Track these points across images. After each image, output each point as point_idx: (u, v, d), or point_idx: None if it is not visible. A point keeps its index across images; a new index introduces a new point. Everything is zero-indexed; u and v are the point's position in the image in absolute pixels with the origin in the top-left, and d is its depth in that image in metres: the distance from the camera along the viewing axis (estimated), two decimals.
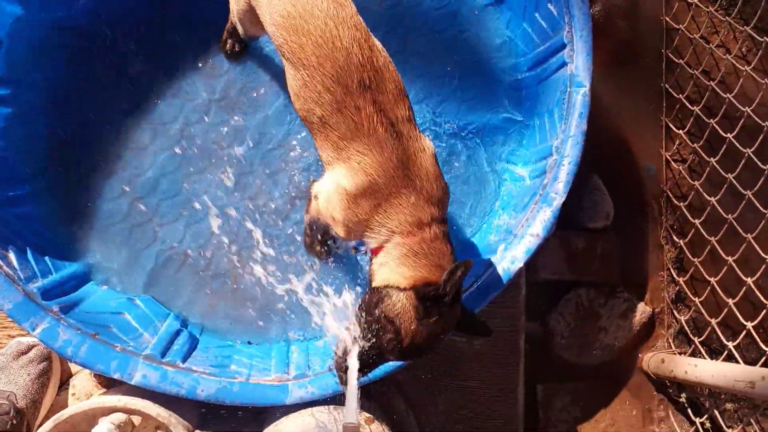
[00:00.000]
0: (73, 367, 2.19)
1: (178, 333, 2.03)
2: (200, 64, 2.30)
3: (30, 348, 2.06)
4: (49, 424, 1.81)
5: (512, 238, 2.03)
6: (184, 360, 1.92)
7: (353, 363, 1.62)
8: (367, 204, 1.63)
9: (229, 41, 2.25)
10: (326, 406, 1.92)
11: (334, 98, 1.56)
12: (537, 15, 2.24)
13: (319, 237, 2.10)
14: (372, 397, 2.22)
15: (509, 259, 1.99)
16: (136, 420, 1.90)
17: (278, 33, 1.62)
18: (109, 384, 2.12)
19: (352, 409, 1.57)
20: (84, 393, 2.13)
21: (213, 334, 2.16)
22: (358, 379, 1.59)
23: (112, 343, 1.88)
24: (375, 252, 1.67)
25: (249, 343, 2.18)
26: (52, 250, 2.11)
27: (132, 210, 2.22)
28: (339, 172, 1.66)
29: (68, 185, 2.21)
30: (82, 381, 2.15)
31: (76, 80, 2.25)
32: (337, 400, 1.91)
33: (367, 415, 1.98)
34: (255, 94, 2.30)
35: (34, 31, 2.17)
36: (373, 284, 1.63)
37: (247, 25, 1.93)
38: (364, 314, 1.57)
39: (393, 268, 1.62)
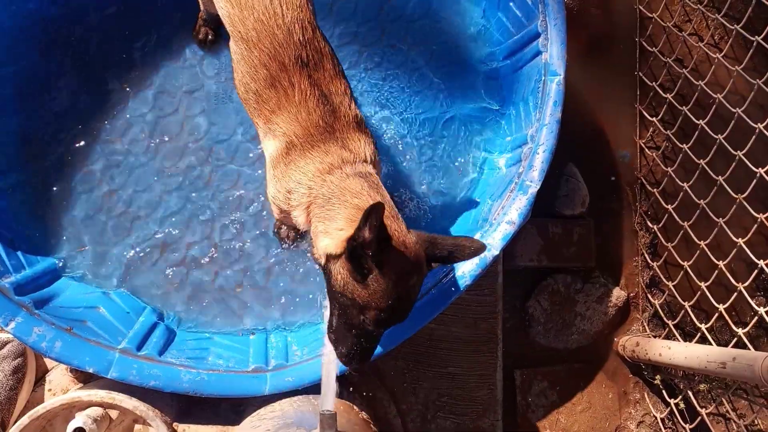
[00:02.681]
0: (49, 363, 2.16)
1: (154, 326, 2.02)
2: (173, 55, 2.27)
3: (3, 344, 2.03)
4: (25, 419, 1.80)
5: (488, 226, 2.04)
6: (161, 353, 1.91)
7: (329, 352, 1.63)
8: (284, 164, 1.63)
9: (203, 29, 2.22)
10: (305, 396, 1.93)
11: (269, 73, 1.59)
12: (511, 4, 2.25)
13: (276, 220, 2.07)
14: (353, 387, 2.23)
15: (486, 246, 2.00)
16: (114, 414, 1.89)
17: (222, 3, 1.65)
18: (85, 379, 2.10)
19: (328, 398, 1.58)
20: (60, 388, 2.11)
21: (190, 326, 2.15)
22: (338, 365, 1.60)
23: (87, 337, 1.86)
24: (309, 224, 1.62)
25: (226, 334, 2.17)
26: (25, 244, 2.08)
27: (105, 203, 2.20)
28: (267, 146, 1.70)
29: (40, 179, 2.17)
30: (58, 376, 2.12)
31: (47, 73, 2.21)
32: (315, 389, 1.91)
33: (347, 403, 1.99)
34: (230, 86, 2.28)
35: (4, 24, 2.13)
36: (321, 262, 1.56)
37: None
38: (328, 300, 1.55)
39: (322, 232, 1.55)
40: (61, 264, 2.13)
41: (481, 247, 1.55)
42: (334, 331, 1.56)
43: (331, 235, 1.51)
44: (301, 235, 2.18)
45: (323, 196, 1.55)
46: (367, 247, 1.37)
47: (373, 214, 1.30)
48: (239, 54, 1.64)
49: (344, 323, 1.51)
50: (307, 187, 1.59)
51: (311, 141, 1.61)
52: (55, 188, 2.18)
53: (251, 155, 2.26)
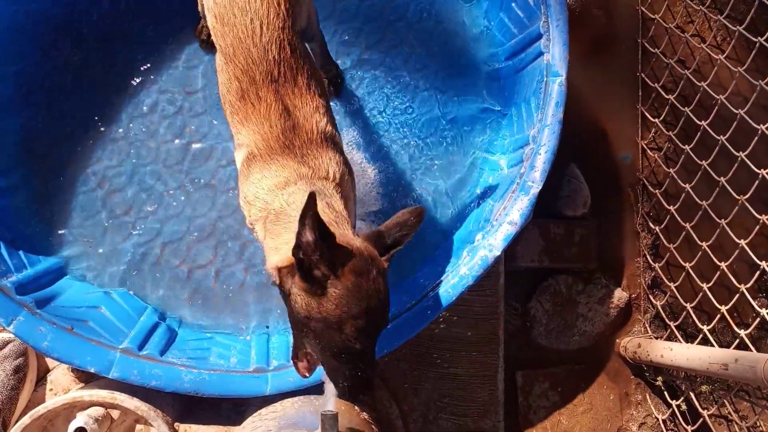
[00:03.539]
0: (51, 362, 2.16)
1: (156, 326, 2.02)
2: (176, 55, 2.27)
3: (5, 344, 2.03)
4: (26, 419, 1.80)
5: (490, 227, 2.04)
6: (162, 353, 1.91)
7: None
8: (244, 176, 1.64)
9: (205, 29, 2.22)
10: (306, 396, 1.92)
11: (240, 86, 1.62)
12: (513, 5, 2.25)
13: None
14: None
15: (487, 247, 2.00)
16: (115, 414, 1.88)
17: (208, 15, 1.69)
18: (87, 379, 2.10)
19: (330, 398, 1.58)
20: (61, 388, 2.11)
21: (192, 326, 2.15)
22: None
23: (89, 337, 1.86)
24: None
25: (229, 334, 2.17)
26: (27, 244, 2.09)
27: (107, 203, 2.20)
28: (237, 157, 1.71)
29: (41, 179, 2.18)
30: (59, 376, 2.13)
31: (48, 73, 2.21)
32: (317, 389, 1.91)
33: (348, 403, 1.99)
34: None
35: (4, 23, 2.13)
36: (275, 280, 1.47)
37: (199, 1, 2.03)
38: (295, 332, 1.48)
39: (272, 248, 1.50)
40: (62, 263, 2.13)
41: (420, 212, 1.50)
42: (312, 367, 1.50)
43: (279, 251, 1.47)
44: None
45: (274, 212, 1.53)
46: (314, 252, 1.30)
47: (308, 210, 1.23)
48: (219, 66, 1.69)
49: (328, 351, 1.40)
50: (263, 201, 1.57)
51: (270, 154, 1.60)
52: (56, 188, 2.19)
53: None
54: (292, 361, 1.53)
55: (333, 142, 1.68)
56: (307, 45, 2.06)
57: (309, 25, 1.92)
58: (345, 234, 1.45)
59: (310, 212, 1.24)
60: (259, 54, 1.60)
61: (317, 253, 1.30)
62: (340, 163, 1.65)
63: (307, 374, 1.55)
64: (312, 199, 1.23)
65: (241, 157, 1.68)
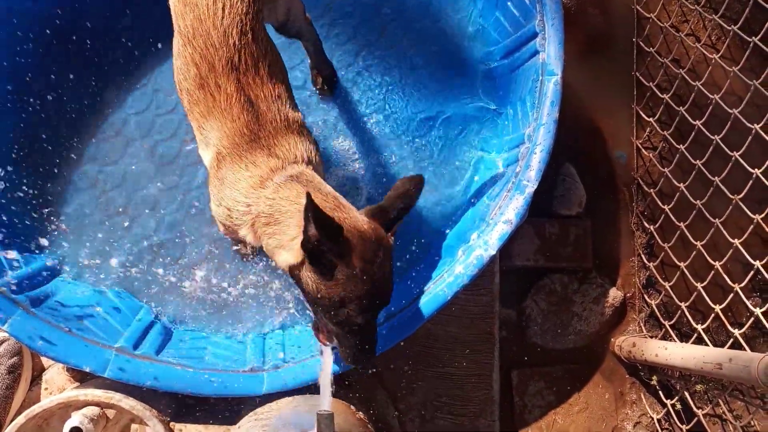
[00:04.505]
0: (46, 362, 2.16)
1: (151, 325, 2.01)
2: (170, 54, 2.26)
3: (0, 343, 2.03)
4: (21, 419, 1.79)
5: (485, 226, 2.04)
6: (158, 352, 1.91)
7: (327, 353, 1.63)
8: (217, 179, 1.61)
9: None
10: (302, 395, 1.92)
11: (199, 73, 1.58)
12: (509, 4, 2.25)
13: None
14: (352, 387, 2.23)
15: (483, 246, 2.00)
16: (110, 413, 1.88)
17: None
18: (82, 378, 2.09)
19: (326, 398, 1.58)
20: (57, 387, 2.10)
21: (187, 325, 2.15)
22: (334, 363, 1.60)
23: (84, 336, 1.86)
24: (259, 240, 1.60)
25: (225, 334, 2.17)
26: (22, 243, 2.08)
27: (102, 202, 2.20)
28: (204, 156, 1.68)
29: (37, 178, 2.17)
30: (54, 375, 2.12)
31: (44, 71, 2.21)
32: (312, 389, 1.91)
33: (345, 403, 1.99)
34: None
35: (3, 23, 2.12)
36: (287, 273, 1.55)
37: None
38: (310, 308, 1.53)
39: (276, 247, 1.53)
40: (57, 262, 2.13)
41: (419, 180, 1.56)
42: (329, 337, 1.56)
43: (286, 248, 1.50)
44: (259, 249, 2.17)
45: (264, 214, 1.53)
46: (322, 243, 1.36)
47: (308, 208, 1.30)
48: (176, 49, 1.63)
49: (334, 325, 1.50)
50: (246, 204, 1.57)
51: (238, 152, 1.58)
52: (52, 187, 2.18)
53: None
54: (313, 332, 1.63)
55: (297, 124, 1.66)
56: (302, 43, 2.05)
57: (290, 20, 1.86)
58: (350, 217, 1.48)
59: (311, 210, 1.30)
60: (219, 38, 1.55)
61: (325, 244, 1.37)
62: (305, 142, 1.65)
63: (327, 342, 1.62)
64: (310, 199, 1.29)
65: (209, 158, 1.64)
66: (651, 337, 2.57)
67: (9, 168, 2.14)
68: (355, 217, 1.48)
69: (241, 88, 1.58)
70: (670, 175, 2.54)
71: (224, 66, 1.56)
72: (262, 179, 1.55)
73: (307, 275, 1.45)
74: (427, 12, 2.43)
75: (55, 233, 2.15)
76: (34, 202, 2.15)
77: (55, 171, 2.19)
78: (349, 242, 1.41)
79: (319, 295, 1.44)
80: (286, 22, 1.87)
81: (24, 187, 2.15)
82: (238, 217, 1.59)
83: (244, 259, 2.17)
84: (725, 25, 2.47)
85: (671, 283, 2.51)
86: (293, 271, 1.50)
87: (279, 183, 1.54)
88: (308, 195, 1.29)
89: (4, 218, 2.09)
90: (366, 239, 1.44)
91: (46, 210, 2.16)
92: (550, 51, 2.11)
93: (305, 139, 1.66)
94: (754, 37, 2.22)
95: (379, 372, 2.29)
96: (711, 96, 2.36)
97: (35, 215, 2.15)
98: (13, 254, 1.99)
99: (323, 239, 1.35)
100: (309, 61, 2.27)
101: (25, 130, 2.19)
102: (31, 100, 2.19)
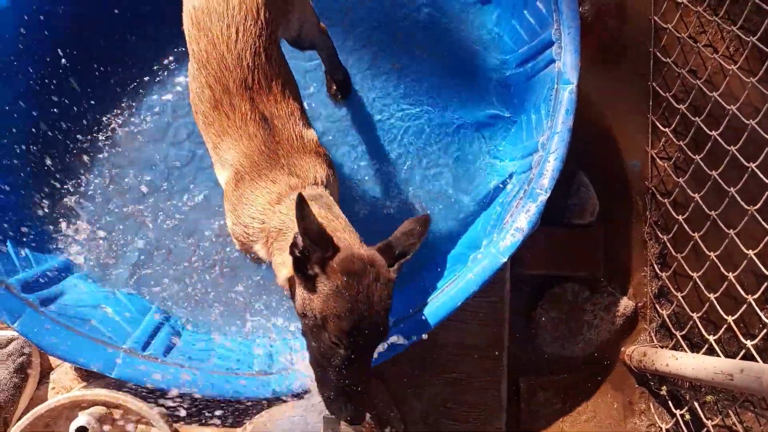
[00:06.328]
0: (53, 361, 2.16)
1: (159, 327, 2.01)
2: (183, 55, 2.26)
3: (8, 342, 2.03)
4: (28, 417, 1.79)
5: (497, 233, 2.03)
6: (166, 353, 1.91)
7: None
8: (236, 198, 1.61)
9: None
10: (308, 399, 1.91)
11: (213, 95, 1.59)
12: (526, 12, 2.24)
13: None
14: None
15: (494, 253, 1.99)
16: (117, 413, 1.88)
17: (185, 18, 1.66)
18: (88, 377, 2.09)
19: None
20: (64, 387, 2.11)
21: (196, 328, 2.15)
22: None
23: (93, 336, 1.86)
24: (271, 257, 1.59)
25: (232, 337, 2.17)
26: (33, 243, 2.08)
27: (114, 203, 2.19)
28: (220, 176, 1.67)
29: (50, 178, 2.18)
30: (61, 375, 2.12)
31: (56, 72, 2.21)
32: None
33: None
34: None
35: (16, 23, 2.13)
36: (287, 293, 1.51)
37: None
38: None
39: (280, 264, 1.51)
40: (68, 263, 2.13)
41: (425, 220, 1.51)
42: (317, 377, 1.42)
43: (287, 263, 1.48)
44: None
45: (276, 229, 1.53)
46: (307, 248, 1.34)
47: (300, 211, 1.27)
48: (191, 73, 1.66)
49: (317, 353, 1.38)
50: (261, 221, 1.57)
51: (258, 170, 1.59)
52: (63, 187, 2.18)
53: None
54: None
55: (313, 143, 1.68)
56: (315, 52, 2.04)
57: (303, 34, 1.88)
58: (348, 239, 1.46)
59: (302, 213, 1.28)
60: (233, 60, 1.57)
61: (310, 250, 1.34)
62: (323, 164, 1.66)
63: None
64: (301, 199, 1.27)
65: (226, 178, 1.64)
66: (662, 347, 2.55)
67: (22, 166, 2.15)
68: (355, 242, 1.47)
69: (256, 106, 1.59)
70: (684, 185, 2.52)
71: (238, 87, 1.58)
72: (280, 196, 1.56)
73: (299, 290, 1.40)
74: (442, 20, 2.42)
75: (67, 234, 2.16)
76: (46, 201, 2.16)
77: (68, 170, 2.19)
78: (336, 255, 1.36)
79: (305, 311, 1.38)
80: (299, 36, 1.88)
81: (36, 187, 2.15)
82: (254, 234, 1.59)
83: (256, 263, 2.17)
84: (743, 36, 2.45)
85: (683, 294, 2.49)
86: (290, 287, 1.48)
87: (293, 200, 1.53)
88: (300, 196, 1.27)
89: (17, 218, 2.09)
90: (356, 258, 1.36)
91: (58, 210, 2.17)
92: (566, 60, 2.10)
93: (321, 161, 1.66)
94: None
95: (385, 376, 2.28)
96: (728, 107, 2.34)
97: (47, 215, 2.15)
98: (24, 254, 1.99)
99: (307, 243, 1.31)
100: (324, 67, 2.26)
101: (39, 128, 2.19)
102: (45, 98, 2.19)
